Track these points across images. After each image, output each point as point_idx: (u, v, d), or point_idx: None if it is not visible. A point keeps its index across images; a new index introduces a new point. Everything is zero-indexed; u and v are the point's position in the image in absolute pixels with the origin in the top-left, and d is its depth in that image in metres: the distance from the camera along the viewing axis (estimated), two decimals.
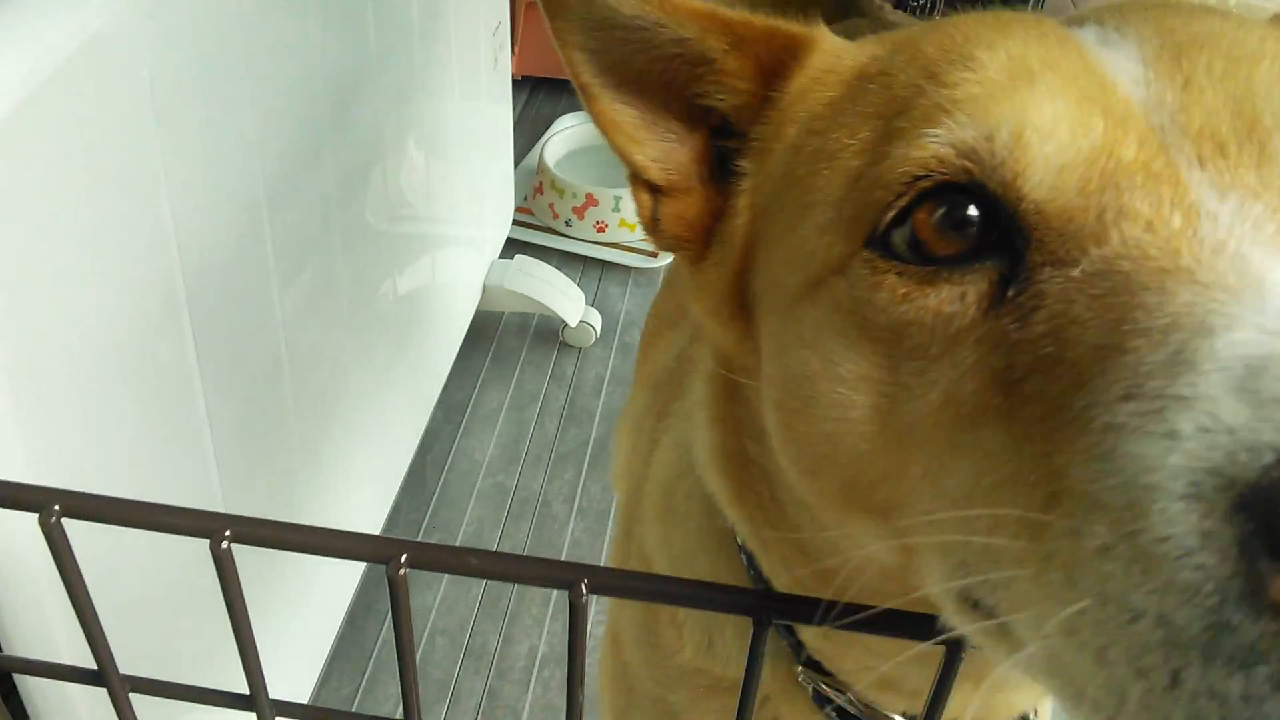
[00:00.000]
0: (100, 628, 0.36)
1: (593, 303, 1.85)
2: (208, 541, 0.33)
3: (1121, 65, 0.35)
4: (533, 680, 1.31)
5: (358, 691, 1.29)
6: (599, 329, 1.81)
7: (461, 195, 1.58)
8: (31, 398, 0.64)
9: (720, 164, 0.46)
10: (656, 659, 0.64)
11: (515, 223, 2.00)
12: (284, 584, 1.07)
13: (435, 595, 1.40)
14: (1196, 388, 0.25)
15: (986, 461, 0.31)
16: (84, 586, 0.35)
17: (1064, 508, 0.28)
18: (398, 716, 0.36)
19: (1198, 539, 0.24)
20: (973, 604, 0.33)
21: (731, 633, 0.58)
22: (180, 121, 0.75)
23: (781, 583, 0.50)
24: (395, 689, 1.29)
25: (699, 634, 0.60)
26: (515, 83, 2.45)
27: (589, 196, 1.98)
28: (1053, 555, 0.27)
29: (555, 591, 1.39)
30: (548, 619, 1.38)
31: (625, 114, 0.43)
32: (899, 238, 0.34)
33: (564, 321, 1.77)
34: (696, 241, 0.45)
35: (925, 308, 0.34)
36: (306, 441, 1.08)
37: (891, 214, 0.34)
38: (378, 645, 1.33)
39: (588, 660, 0.37)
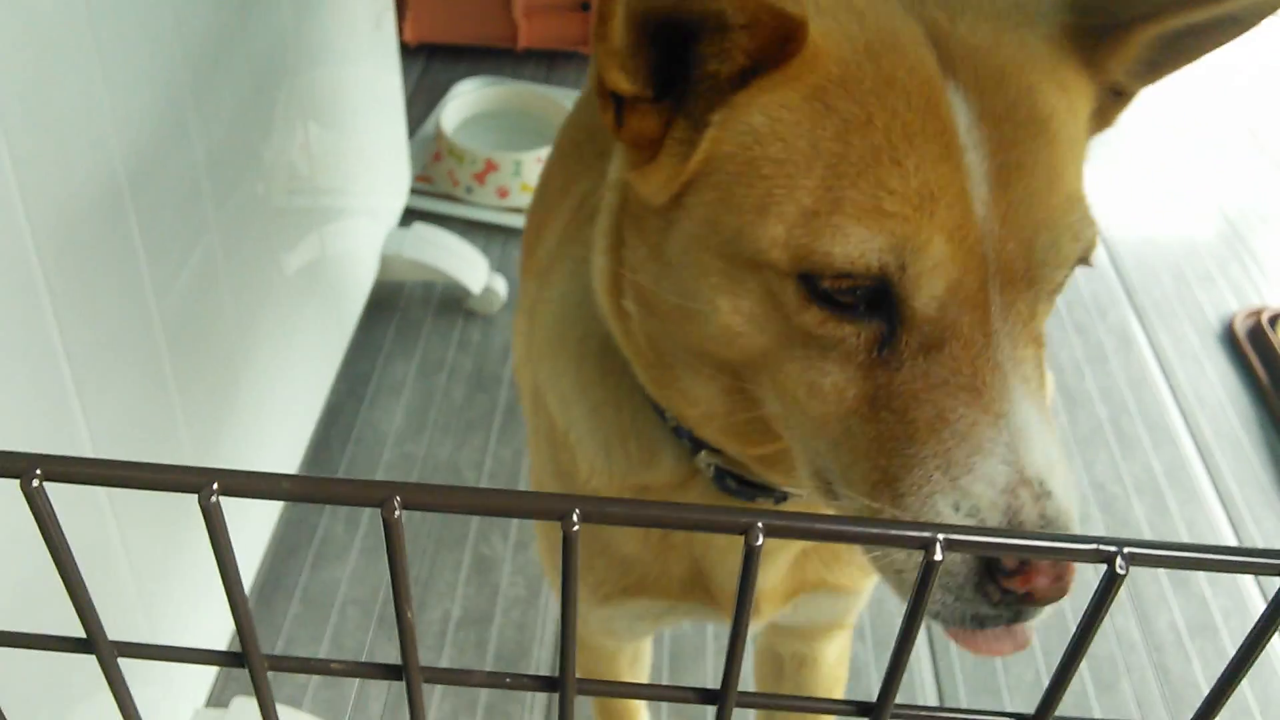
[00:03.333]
0: (88, 594, 0.36)
1: (497, 268, 1.84)
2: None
3: (976, 184, 0.47)
4: (447, 644, 1.32)
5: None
6: (505, 295, 1.81)
7: (352, 164, 1.56)
8: None
9: (676, 82, 0.51)
10: (565, 484, 0.72)
11: (416, 192, 1.97)
12: (192, 556, 1.06)
13: (346, 567, 1.39)
14: (971, 488, 0.46)
15: (850, 433, 0.50)
16: (69, 551, 0.34)
17: (890, 489, 0.48)
18: (397, 662, 0.36)
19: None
20: (824, 480, 0.53)
21: (620, 445, 0.67)
22: (20, 100, 0.73)
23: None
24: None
25: (594, 455, 0.69)
26: (410, 50, 2.42)
27: (489, 162, 1.96)
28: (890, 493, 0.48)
29: (467, 554, 1.39)
30: (460, 583, 1.38)
31: (624, 40, 0.47)
32: (823, 284, 0.48)
33: (467, 290, 1.75)
34: (648, 146, 0.52)
35: (834, 333, 0.48)
36: (198, 428, 1.06)
37: (825, 281, 0.47)
38: (288, 619, 1.32)
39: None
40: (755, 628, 0.78)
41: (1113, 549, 0.32)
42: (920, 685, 1.31)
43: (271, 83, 1.22)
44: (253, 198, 1.19)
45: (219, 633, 1.16)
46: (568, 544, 0.35)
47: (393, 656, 1.29)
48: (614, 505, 0.36)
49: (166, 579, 1.02)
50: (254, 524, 1.28)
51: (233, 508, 0.34)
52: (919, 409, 0.47)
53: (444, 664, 1.29)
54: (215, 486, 0.34)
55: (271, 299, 1.27)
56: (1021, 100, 0.48)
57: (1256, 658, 0.34)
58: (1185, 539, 1.51)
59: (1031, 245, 0.47)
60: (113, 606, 0.92)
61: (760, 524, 0.35)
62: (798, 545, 0.72)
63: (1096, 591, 0.32)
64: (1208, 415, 1.71)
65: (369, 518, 1.46)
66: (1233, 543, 1.51)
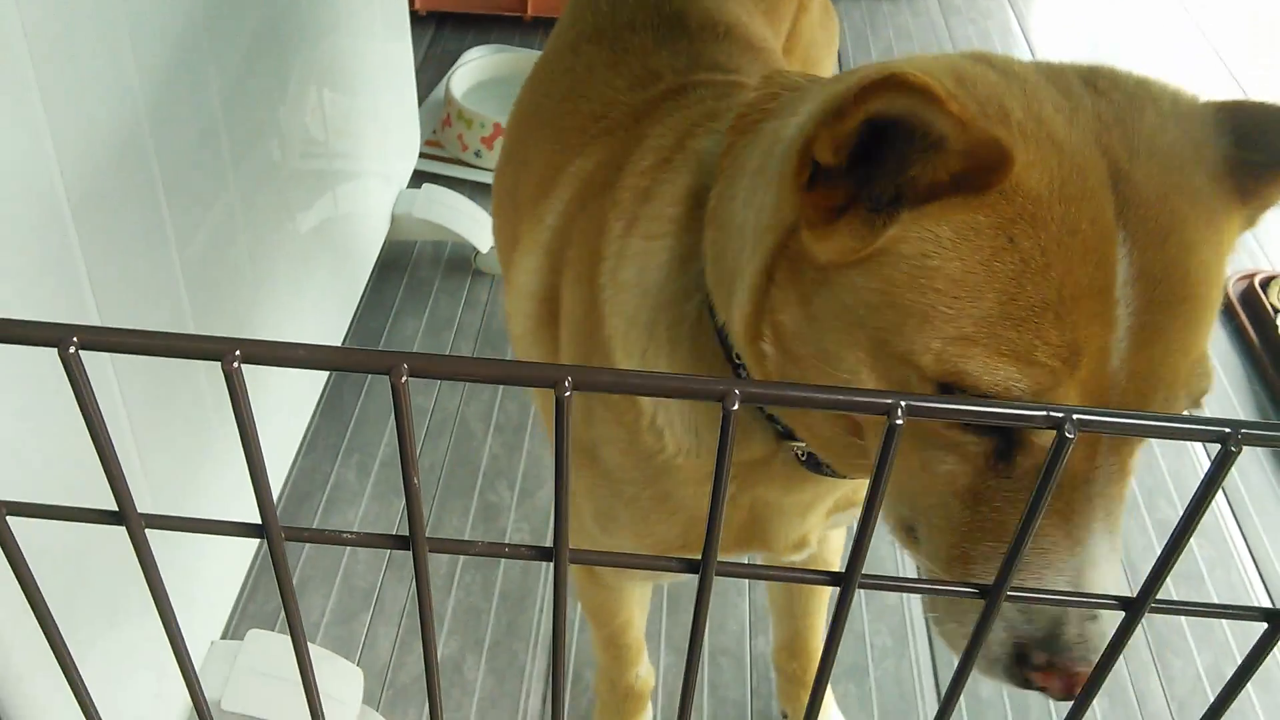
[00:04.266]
0: (119, 464, 0.38)
1: None
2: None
3: (1119, 340, 0.49)
4: (455, 585, 1.36)
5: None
6: None
7: (364, 128, 1.59)
8: None
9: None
10: (638, 461, 0.75)
11: (425, 155, 2.01)
12: (205, 501, 1.10)
13: (357, 511, 1.44)
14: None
15: (947, 511, 0.54)
16: (103, 421, 0.36)
17: (964, 569, 0.53)
18: (402, 532, 0.40)
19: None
20: (907, 528, 0.58)
21: (713, 426, 0.69)
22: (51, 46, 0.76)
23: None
24: (319, 603, 1.33)
25: (683, 436, 0.71)
26: (421, 18, 2.45)
27: (497, 126, 1.99)
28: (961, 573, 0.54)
29: (475, 500, 1.44)
30: (468, 529, 1.43)
31: (850, 126, 0.49)
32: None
33: (475, 248, 1.79)
34: (825, 212, 0.54)
35: (959, 439, 0.52)
36: (216, 375, 1.10)
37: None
38: (301, 561, 1.37)
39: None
40: (797, 558, 0.83)
41: (1227, 430, 0.34)
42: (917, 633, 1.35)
43: (288, 49, 1.26)
44: (268, 159, 1.23)
45: (234, 550, 1.21)
46: (560, 409, 0.39)
47: (402, 599, 1.34)
48: (601, 374, 0.39)
49: (184, 491, 1.07)
50: (270, 469, 1.32)
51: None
52: (1013, 514, 0.51)
53: (452, 605, 1.34)
54: (238, 353, 0.37)
55: (286, 256, 1.31)
56: (1178, 261, 0.50)
57: (1198, 523, 0.38)
58: (1172, 491, 1.55)
59: (1149, 401, 0.50)
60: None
61: (737, 390, 0.38)
62: (838, 492, 0.78)
63: (1208, 471, 0.35)
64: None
65: (379, 466, 1.50)
66: (1220, 499, 1.55)
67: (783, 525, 0.78)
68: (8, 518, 0.42)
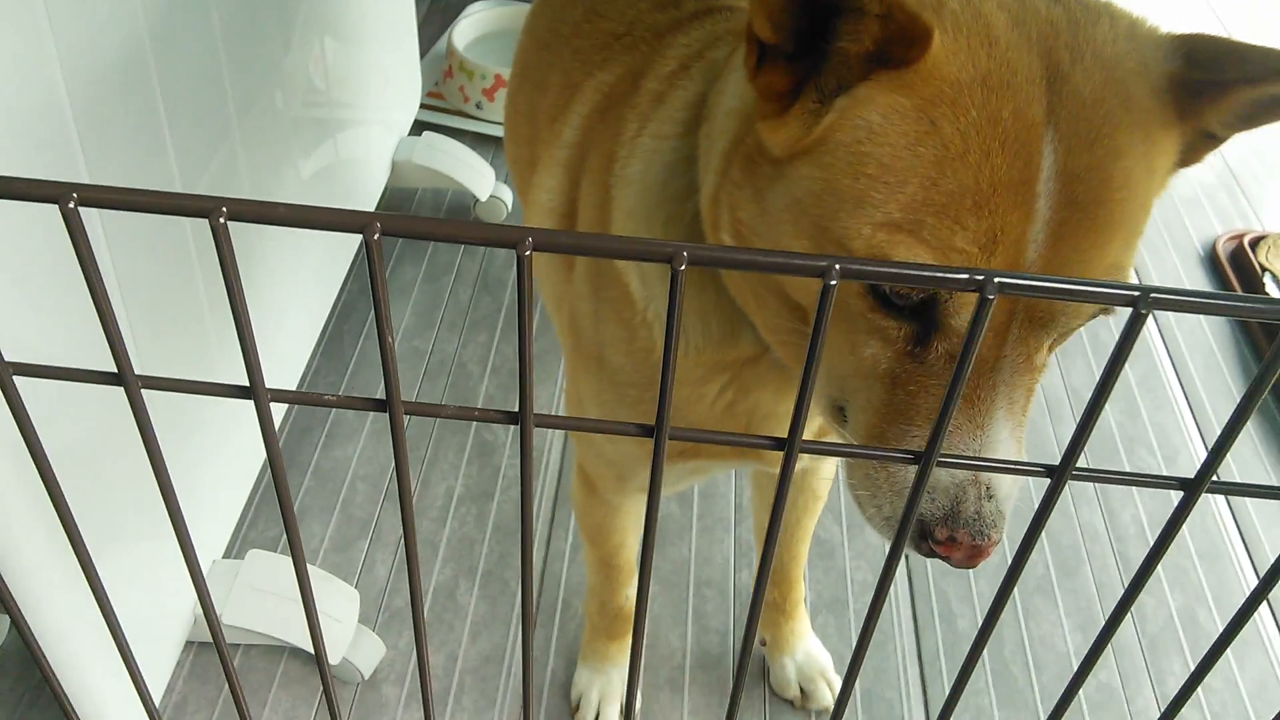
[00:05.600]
0: (118, 325, 0.40)
1: (504, 180, 1.91)
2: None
3: (1035, 232, 0.51)
4: (450, 517, 1.40)
5: (282, 534, 1.37)
6: (510, 204, 1.87)
7: (366, 78, 1.62)
8: None
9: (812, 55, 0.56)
10: (638, 362, 0.78)
11: (427, 107, 2.04)
12: (206, 434, 1.14)
13: (356, 446, 1.48)
14: (936, 472, 0.55)
15: (869, 392, 0.58)
16: (100, 277, 0.39)
17: (879, 444, 0.57)
18: (380, 396, 0.43)
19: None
20: (836, 409, 0.62)
21: (701, 324, 0.73)
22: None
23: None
24: (319, 530, 1.38)
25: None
26: None
27: (498, 77, 2.02)
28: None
29: (470, 438, 1.48)
30: (463, 463, 1.47)
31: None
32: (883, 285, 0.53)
33: (474, 196, 1.82)
34: (775, 100, 0.57)
35: (881, 322, 0.56)
36: (220, 316, 1.14)
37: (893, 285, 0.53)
38: (301, 491, 1.41)
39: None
40: (801, 465, 0.87)
41: (1136, 292, 0.37)
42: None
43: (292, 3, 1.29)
44: (271, 106, 1.26)
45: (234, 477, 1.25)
46: (521, 267, 0.42)
47: (399, 529, 1.38)
48: (561, 236, 0.43)
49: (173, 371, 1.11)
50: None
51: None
52: (924, 399, 0.55)
53: (446, 535, 1.38)
54: (224, 209, 0.40)
55: (288, 200, 1.34)
56: (1103, 164, 0.52)
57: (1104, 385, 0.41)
58: (1154, 443, 1.59)
59: (1056, 300, 0.54)
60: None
61: (685, 253, 0.42)
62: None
63: (1120, 334, 0.37)
64: (1184, 330, 1.77)
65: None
66: (1200, 451, 1.58)
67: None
68: (14, 378, 0.45)
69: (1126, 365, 1.69)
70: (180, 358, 1.09)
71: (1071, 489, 1.50)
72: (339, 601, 1.21)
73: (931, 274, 0.41)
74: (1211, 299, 0.38)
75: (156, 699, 1.14)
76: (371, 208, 1.70)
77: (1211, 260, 1.91)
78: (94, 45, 0.86)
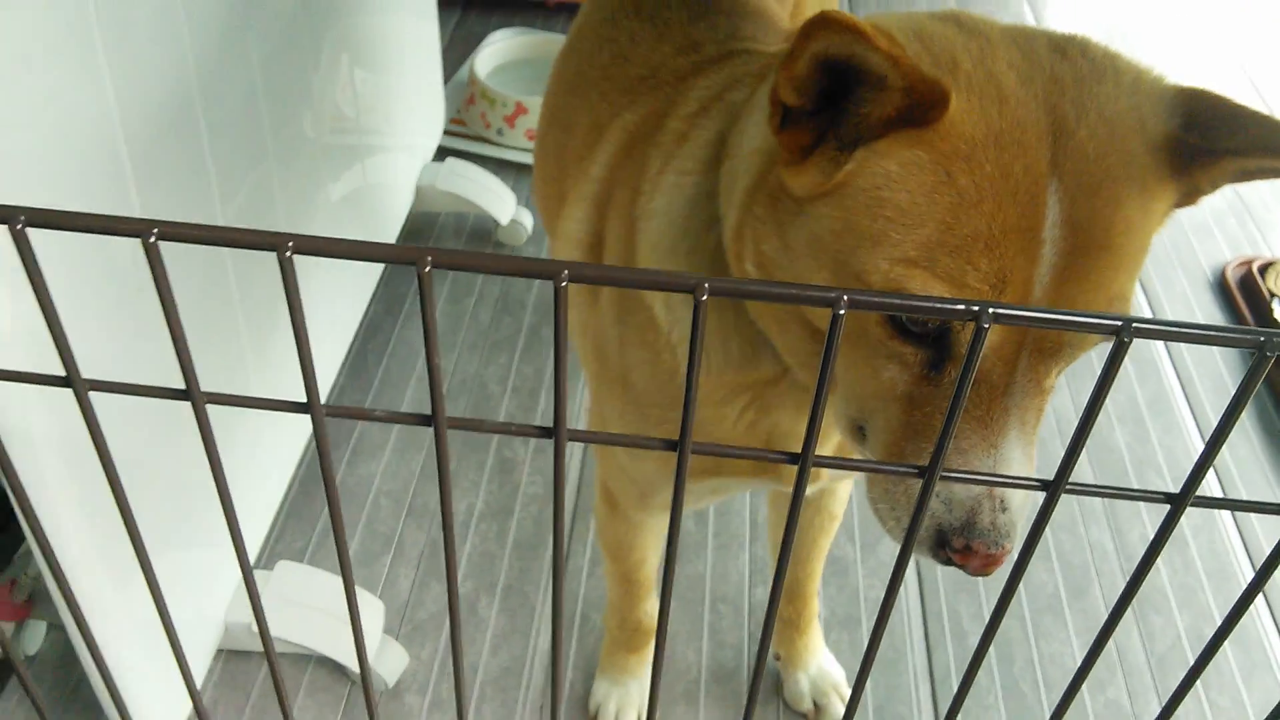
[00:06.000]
0: (187, 345, 0.44)
1: (524, 204, 1.95)
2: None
3: (1041, 275, 0.56)
4: (471, 533, 1.44)
5: (308, 546, 1.41)
6: (530, 228, 1.92)
7: (391, 105, 1.67)
8: None
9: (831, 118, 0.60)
10: (662, 383, 0.83)
11: (450, 133, 2.09)
12: (237, 451, 1.18)
13: (380, 463, 1.52)
14: (953, 486, 0.59)
15: (887, 413, 0.62)
16: (175, 307, 0.43)
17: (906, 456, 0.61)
18: (427, 413, 0.46)
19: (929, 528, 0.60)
20: (856, 428, 0.66)
21: (722, 347, 0.77)
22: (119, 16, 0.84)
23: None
24: None
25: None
26: (447, 2, 2.53)
27: (519, 105, 2.07)
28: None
29: (491, 456, 1.51)
30: (484, 481, 1.50)
31: (805, 70, 0.57)
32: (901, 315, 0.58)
33: (496, 220, 1.87)
34: (798, 150, 0.61)
35: (899, 349, 0.60)
36: (254, 324, 1.19)
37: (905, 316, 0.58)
38: (325, 508, 1.45)
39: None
40: (814, 489, 0.90)
41: (1119, 322, 0.40)
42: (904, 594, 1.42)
43: (320, 26, 1.34)
44: (302, 130, 1.31)
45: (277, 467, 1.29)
46: (558, 297, 0.46)
47: (421, 543, 1.42)
48: (593, 269, 0.46)
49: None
50: (296, 423, 1.41)
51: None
52: (939, 419, 0.59)
53: (468, 551, 1.42)
54: (290, 244, 0.44)
55: (318, 221, 1.39)
56: (1103, 213, 0.56)
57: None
58: (1163, 465, 1.61)
59: (1063, 332, 0.57)
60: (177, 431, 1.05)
61: (706, 284, 0.45)
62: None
63: (1105, 362, 0.39)
64: (1193, 354, 1.80)
65: None
66: (1210, 474, 1.60)
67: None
68: (90, 393, 0.49)
69: (1137, 389, 1.72)
70: (215, 375, 1.13)
71: (1082, 510, 1.53)
72: (365, 612, 1.25)
73: (933, 304, 0.45)
74: (1188, 328, 0.42)
75: (188, 706, 1.18)
76: (397, 231, 1.75)
77: (1221, 286, 1.94)
78: (146, 86, 0.91)
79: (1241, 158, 0.59)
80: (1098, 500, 1.56)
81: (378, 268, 1.68)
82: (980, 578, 0.64)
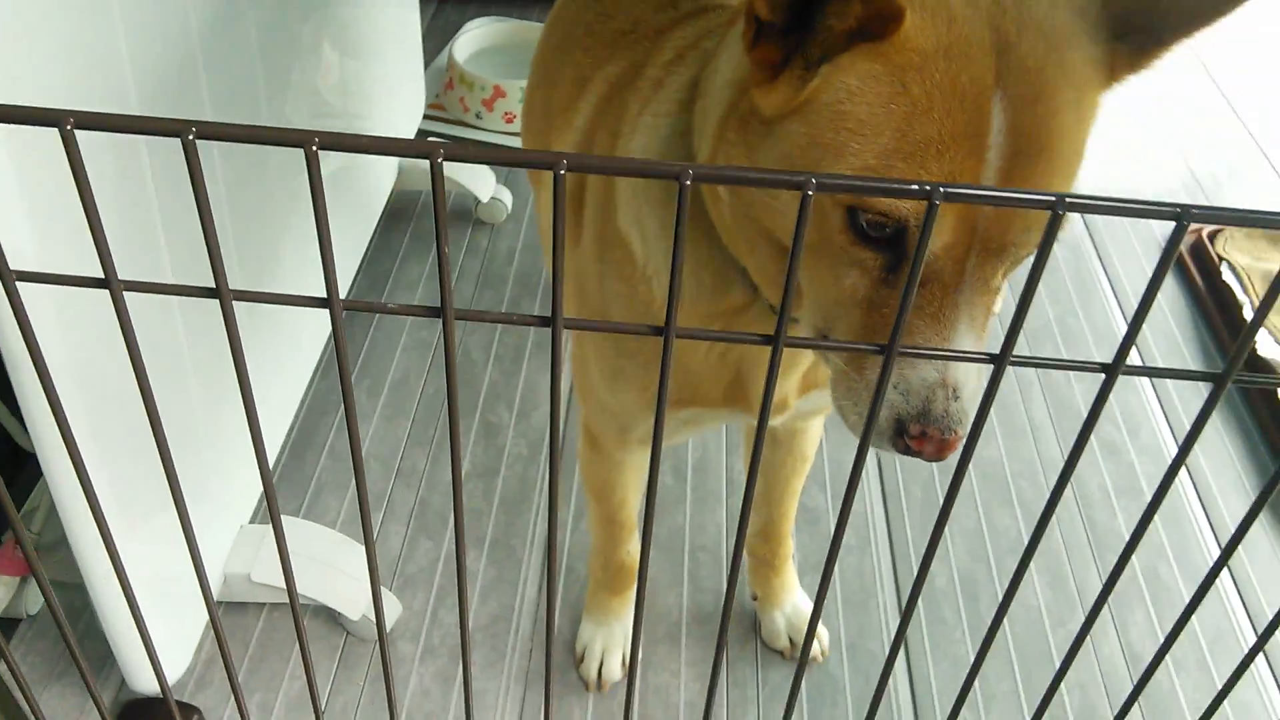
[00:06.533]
0: (218, 244, 0.47)
1: (503, 183, 2.01)
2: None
3: (987, 178, 0.61)
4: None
5: (301, 507, 1.46)
6: (510, 205, 1.97)
7: (374, 89, 1.73)
8: None
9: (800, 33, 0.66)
10: (638, 314, 0.88)
11: (429, 118, 2.14)
12: (234, 417, 1.23)
13: (369, 428, 1.57)
14: (909, 377, 0.64)
15: (848, 317, 0.67)
16: (209, 203, 0.45)
17: (858, 362, 0.67)
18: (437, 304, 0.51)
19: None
20: (821, 336, 0.70)
21: (694, 277, 0.82)
22: None
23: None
24: (335, 505, 1.46)
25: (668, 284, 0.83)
26: None
27: (496, 89, 2.12)
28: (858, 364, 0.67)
29: (476, 420, 1.57)
30: (470, 443, 1.56)
31: None
32: (861, 219, 0.63)
33: (476, 198, 1.92)
34: (768, 69, 0.67)
35: (859, 254, 0.65)
36: (248, 285, 1.24)
37: (865, 216, 0.63)
38: (318, 470, 1.50)
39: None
40: (777, 420, 0.96)
41: (1053, 198, 0.44)
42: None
43: (309, 12, 1.39)
44: (294, 108, 1.36)
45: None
46: (558, 188, 0.51)
47: (410, 502, 1.47)
48: (588, 158, 0.52)
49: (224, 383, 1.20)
50: (289, 385, 1.46)
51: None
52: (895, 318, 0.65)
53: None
54: (316, 140, 0.49)
55: (304, 196, 1.44)
56: (1043, 120, 0.62)
57: None
58: (1120, 420, 1.69)
59: (1008, 231, 0.62)
60: (178, 403, 1.10)
61: (690, 170, 0.51)
62: (810, 357, 0.91)
63: (1045, 234, 0.44)
64: (1153, 325, 1.88)
65: (388, 390, 1.63)
66: (1163, 423, 1.68)
67: (762, 388, 0.91)
68: (125, 293, 0.54)
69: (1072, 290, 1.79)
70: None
71: (1042, 461, 1.60)
72: (358, 562, 1.30)
73: (890, 185, 0.51)
74: (1113, 201, 0.48)
75: (188, 656, 1.22)
76: (380, 209, 1.80)
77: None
78: (155, 51, 0.96)
79: (1188, 32, 0.65)
80: (1056, 449, 1.63)
81: (361, 244, 1.72)
82: (934, 463, 0.69)
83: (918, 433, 0.65)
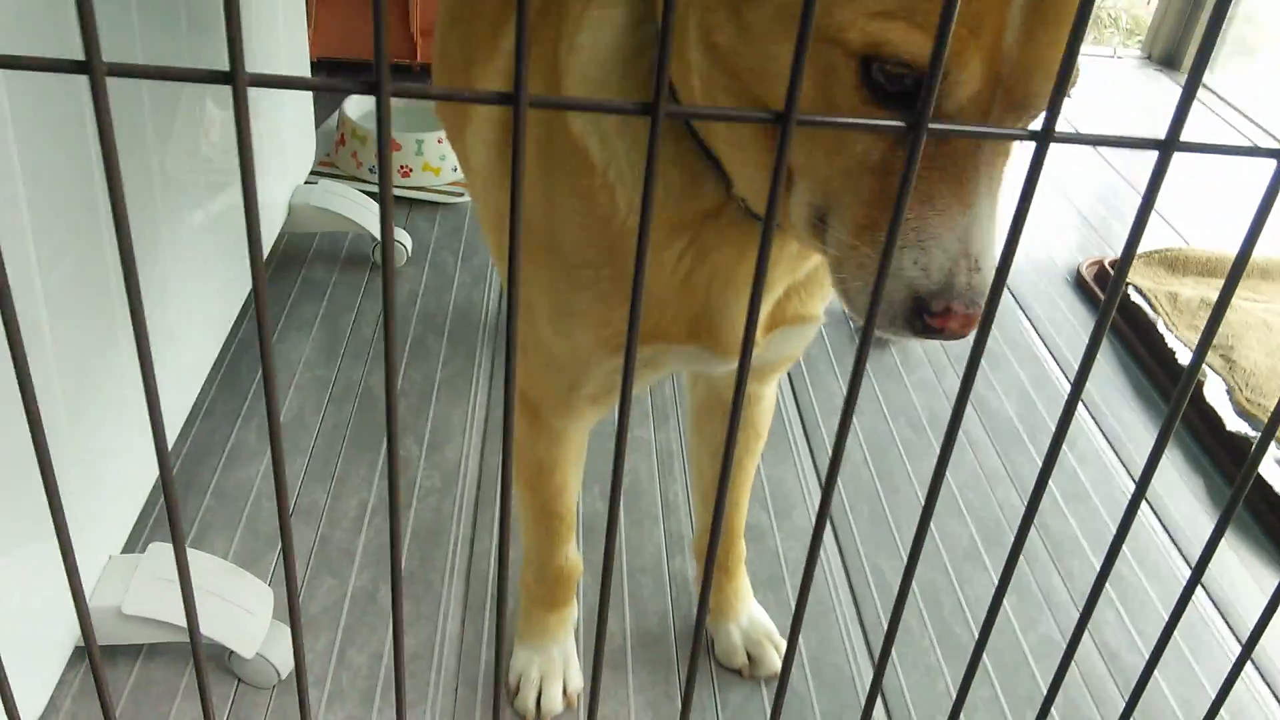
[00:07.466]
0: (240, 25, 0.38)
1: (402, 226, 1.91)
2: None
3: (1012, 27, 0.55)
4: (365, 527, 1.33)
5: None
6: (410, 248, 1.87)
7: (261, 144, 1.60)
8: None
9: None
10: (596, 233, 0.77)
11: (318, 173, 2.04)
12: (105, 438, 1.07)
13: (259, 467, 1.40)
14: (931, 250, 0.58)
15: (859, 183, 0.60)
16: None
17: (871, 234, 0.60)
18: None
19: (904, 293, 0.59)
20: (817, 217, 0.63)
21: (661, 176, 0.71)
22: None
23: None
24: (223, 544, 1.28)
25: (633, 190, 0.74)
26: (314, 64, 2.51)
27: (392, 142, 2.04)
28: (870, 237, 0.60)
29: (381, 456, 1.42)
30: (376, 478, 1.40)
31: None
32: (878, 70, 0.56)
33: (374, 238, 1.81)
34: None
35: (874, 111, 0.57)
36: (104, 341, 1.09)
37: (885, 66, 0.56)
38: (201, 510, 1.32)
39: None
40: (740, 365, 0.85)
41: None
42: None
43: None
44: (189, 153, 1.25)
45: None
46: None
47: (310, 540, 1.30)
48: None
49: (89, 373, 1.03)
50: (168, 417, 1.29)
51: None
52: (917, 181, 0.57)
53: (362, 543, 1.31)
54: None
55: (195, 235, 1.31)
56: None
57: None
58: (1051, 429, 1.64)
59: (1030, 80, 0.57)
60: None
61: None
62: (785, 281, 0.82)
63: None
64: (1064, 338, 1.88)
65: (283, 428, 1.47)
66: (1092, 425, 1.65)
67: (731, 319, 0.81)
68: (107, 78, 0.41)
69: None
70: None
71: (987, 474, 1.54)
72: (251, 595, 1.12)
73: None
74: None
75: (34, 715, 1.01)
76: (268, 249, 1.66)
77: (1078, 282, 2.05)
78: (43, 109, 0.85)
79: None
80: (1000, 465, 1.57)
81: (244, 288, 1.58)
82: (950, 339, 0.61)
83: (941, 309, 0.58)
